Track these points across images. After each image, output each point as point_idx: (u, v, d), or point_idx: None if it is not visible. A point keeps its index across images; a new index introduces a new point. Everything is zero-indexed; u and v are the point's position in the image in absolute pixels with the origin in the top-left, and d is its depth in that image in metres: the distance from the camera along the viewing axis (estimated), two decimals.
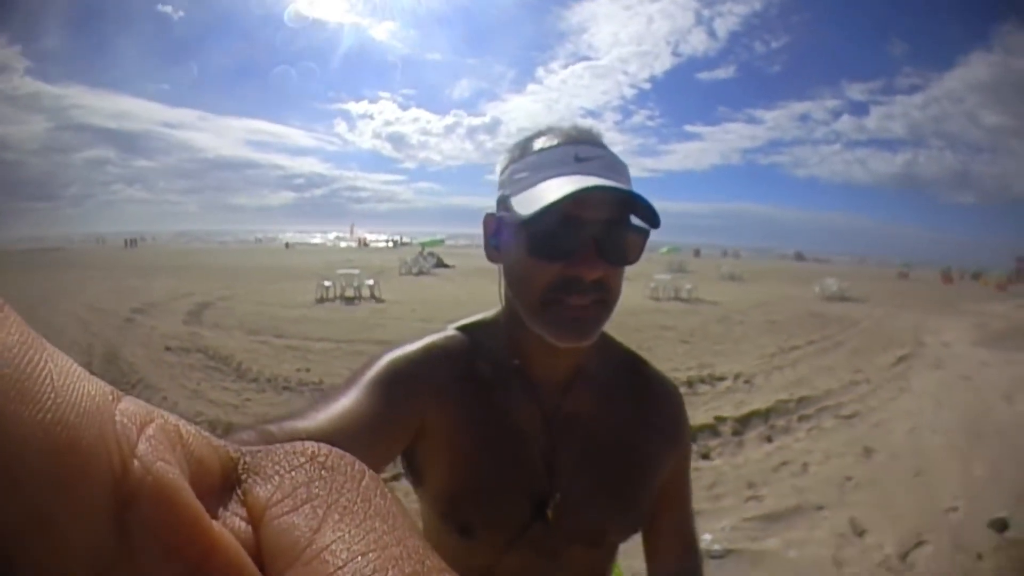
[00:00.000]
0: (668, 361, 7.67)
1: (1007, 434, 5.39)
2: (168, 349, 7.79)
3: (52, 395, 0.14)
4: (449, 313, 6.58)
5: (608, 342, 1.00)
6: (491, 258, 0.93)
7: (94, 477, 0.14)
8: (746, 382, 7.06)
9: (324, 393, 0.80)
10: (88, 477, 0.13)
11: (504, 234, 0.89)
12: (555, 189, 0.80)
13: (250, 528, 0.16)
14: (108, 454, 0.14)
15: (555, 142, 0.87)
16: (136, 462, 0.14)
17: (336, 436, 0.69)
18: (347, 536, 0.15)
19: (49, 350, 0.14)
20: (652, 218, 0.84)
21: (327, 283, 13.60)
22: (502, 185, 0.90)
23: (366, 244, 58.63)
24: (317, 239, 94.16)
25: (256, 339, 8.46)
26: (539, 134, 0.90)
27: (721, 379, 7.10)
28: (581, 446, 0.92)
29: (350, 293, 13.31)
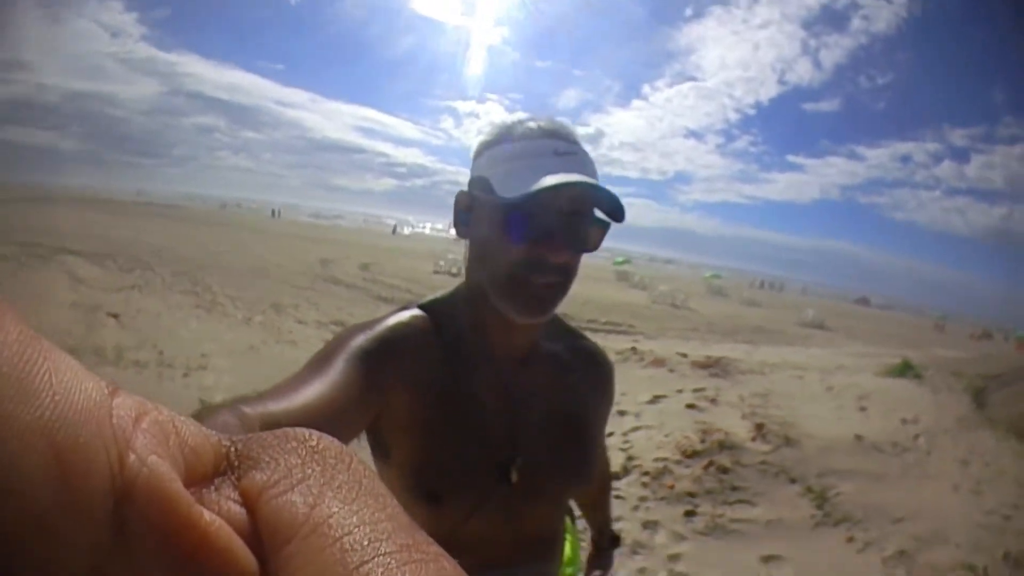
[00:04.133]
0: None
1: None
2: (348, 284, 13.66)
3: (50, 393, 0.14)
4: None
5: (557, 320, 1.09)
6: (459, 234, 0.99)
7: (93, 474, 0.14)
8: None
9: (295, 373, 0.83)
10: (87, 474, 0.14)
11: (477, 212, 0.95)
12: (541, 178, 0.86)
13: (244, 511, 0.17)
14: (106, 450, 0.14)
15: (535, 133, 0.93)
16: (132, 456, 0.15)
17: (309, 415, 0.73)
18: (343, 511, 0.16)
19: (47, 347, 0.15)
20: (618, 213, 0.92)
21: (441, 263, 19.59)
22: (478, 167, 0.96)
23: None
24: (416, 228, 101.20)
25: (404, 285, 14.20)
26: (518, 123, 0.96)
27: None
28: (538, 414, 1.00)
29: (454, 270, 19.13)
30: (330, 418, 0.75)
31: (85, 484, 0.14)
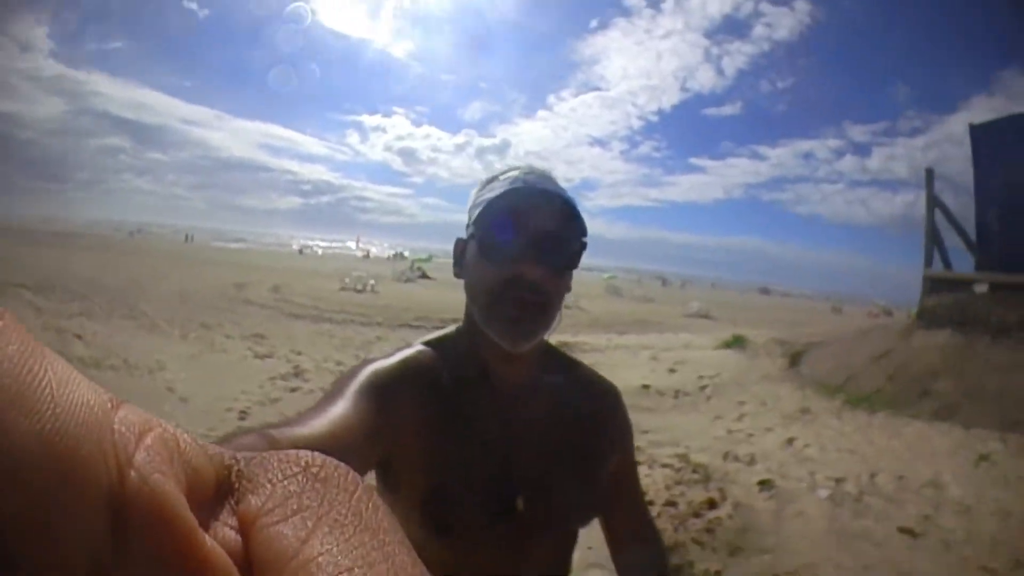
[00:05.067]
0: None
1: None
2: (261, 305, 15.56)
3: (51, 404, 0.14)
4: (415, 304, 15.25)
5: (554, 352, 1.14)
6: (456, 275, 1.07)
7: (91, 487, 0.14)
8: None
9: (317, 402, 0.87)
10: (85, 487, 0.14)
11: (466, 253, 1.03)
12: (494, 196, 0.96)
13: (240, 539, 0.16)
14: (105, 464, 0.14)
15: (508, 173, 1.02)
16: (133, 472, 0.14)
17: (331, 442, 0.76)
18: (334, 550, 0.15)
19: (49, 358, 0.14)
20: (581, 228, 0.98)
21: (347, 280, 21.66)
22: (468, 215, 1.03)
23: (368, 255, 65.21)
24: (323, 245, 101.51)
25: (312, 303, 16.17)
26: (499, 171, 1.05)
27: None
28: (539, 446, 1.02)
29: (359, 287, 21.12)
30: (348, 447, 0.79)
31: (83, 497, 0.14)
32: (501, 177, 1.03)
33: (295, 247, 75.34)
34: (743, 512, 4.33)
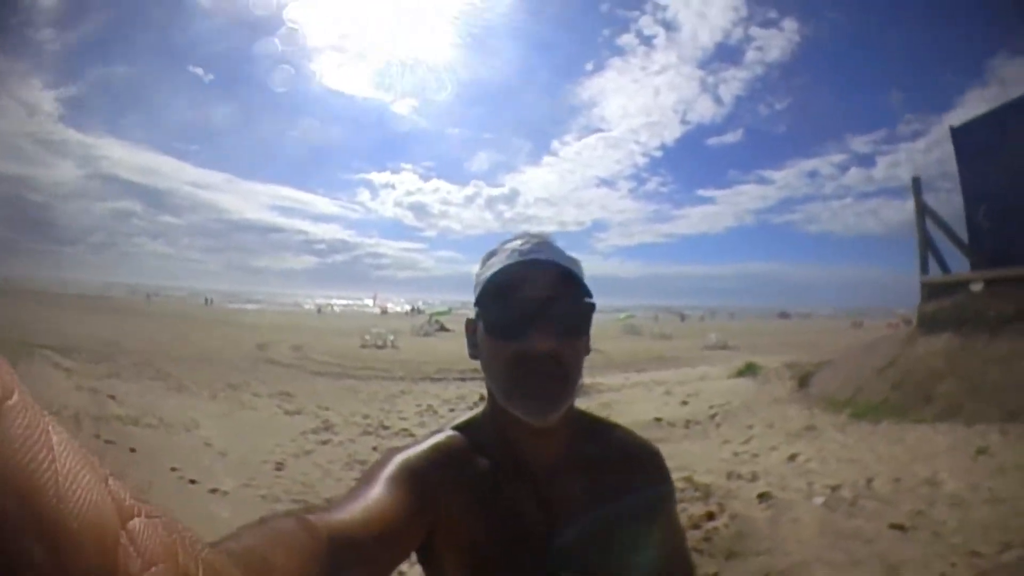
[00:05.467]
0: None
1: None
2: (286, 365, 15.90)
3: (54, 502, 0.13)
4: (435, 358, 15.46)
5: (585, 419, 1.09)
6: (472, 356, 1.03)
7: None
8: None
9: (349, 490, 0.85)
10: None
11: (478, 333, 1.00)
12: (492, 273, 0.95)
13: None
14: None
15: (507, 245, 1.00)
16: None
17: (367, 528, 0.75)
18: None
19: (57, 447, 0.14)
20: (584, 290, 0.96)
21: (367, 336, 22.13)
22: (474, 291, 1.01)
23: (385, 311, 65.82)
24: (340, 303, 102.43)
25: (335, 360, 16.55)
26: (501, 244, 1.03)
27: None
28: (577, 521, 0.98)
29: (380, 343, 21.48)
30: (383, 532, 0.77)
31: None
32: (499, 251, 1.01)
33: (313, 306, 76.27)
34: (740, 521, 4.55)
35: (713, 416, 8.84)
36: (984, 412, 6.29)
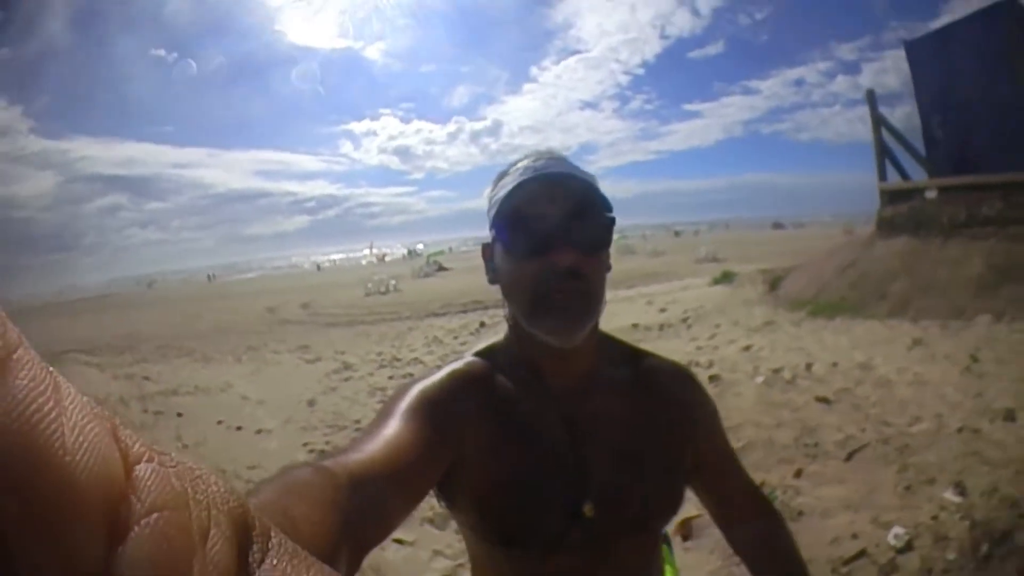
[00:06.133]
0: None
1: None
2: (298, 322, 16.71)
3: (61, 455, 0.13)
4: (437, 296, 16.28)
5: (611, 343, 1.07)
6: (491, 281, 1.01)
7: (87, 557, 0.13)
8: None
9: (367, 428, 0.83)
10: (81, 558, 0.13)
11: (494, 255, 0.98)
12: (507, 192, 0.92)
13: None
14: (110, 531, 0.13)
15: (518, 164, 0.98)
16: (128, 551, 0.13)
17: (387, 466, 0.73)
18: None
19: (65, 399, 0.14)
20: (605, 203, 0.92)
21: (369, 285, 22.96)
22: (488, 217, 0.99)
23: (383, 259, 66.41)
24: (337, 258, 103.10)
25: (343, 311, 17.34)
26: (511, 163, 1.01)
27: None
28: (604, 444, 0.96)
29: (382, 289, 22.27)
30: (405, 465, 0.76)
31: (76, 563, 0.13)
32: (511, 171, 0.98)
33: (310, 265, 76.98)
34: None
35: (685, 319, 9.65)
36: (931, 309, 7.06)
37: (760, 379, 5.72)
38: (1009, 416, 4.08)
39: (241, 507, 0.17)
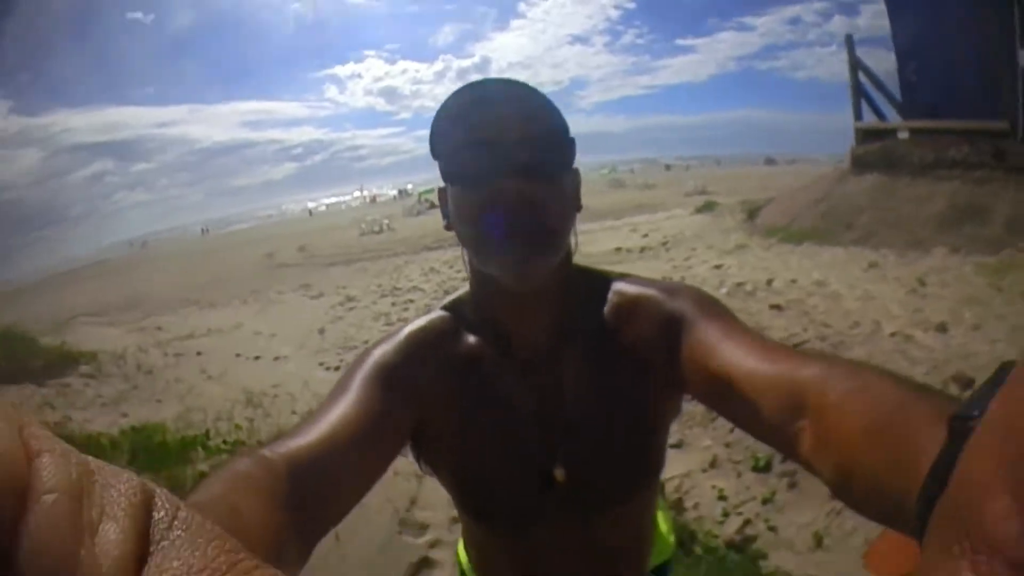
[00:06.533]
0: None
1: None
2: (296, 264, 17.15)
3: None
4: (430, 232, 16.75)
5: (586, 278, 0.93)
6: (447, 228, 0.88)
7: None
8: None
9: (320, 405, 0.76)
10: None
11: (448, 196, 0.85)
12: (448, 114, 0.78)
13: None
14: (11, 515, 0.14)
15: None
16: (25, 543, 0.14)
17: (330, 446, 0.68)
18: None
19: None
20: (558, 120, 0.80)
21: (363, 225, 23.42)
22: (430, 149, 0.84)
23: (375, 200, 66.55)
24: (329, 202, 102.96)
25: (339, 251, 17.79)
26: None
27: None
28: (577, 404, 0.86)
29: (376, 229, 22.68)
30: (357, 442, 0.71)
31: None
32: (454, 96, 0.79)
33: (302, 211, 77.04)
34: None
35: (665, 243, 10.29)
36: (892, 239, 7.63)
37: (724, 290, 6.35)
38: (941, 328, 4.68)
39: (145, 496, 0.17)
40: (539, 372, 0.87)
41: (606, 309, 0.90)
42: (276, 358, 6.72)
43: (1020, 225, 6.90)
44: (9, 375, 6.57)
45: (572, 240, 0.86)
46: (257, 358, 6.88)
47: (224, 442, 4.15)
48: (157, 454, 4.00)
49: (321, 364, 6.13)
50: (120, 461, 3.10)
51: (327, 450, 0.67)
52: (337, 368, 5.97)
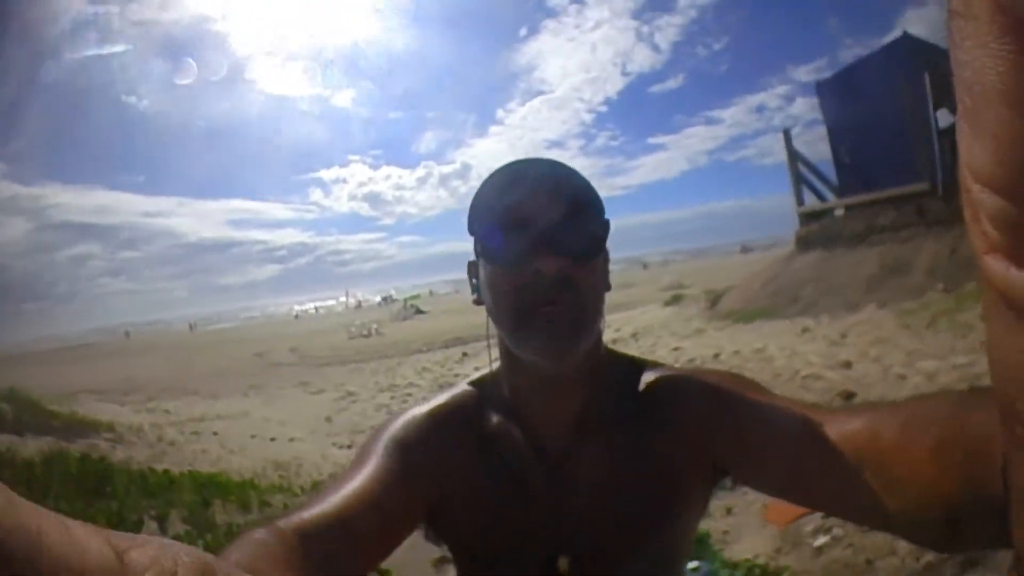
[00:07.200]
0: None
1: None
2: (290, 364, 17.95)
3: (49, 553, 0.14)
4: (419, 336, 17.77)
5: (617, 363, 0.92)
6: (476, 302, 0.88)
7: None
8: None
9: (340, 473, 0.79)
10: None
11: (479, 271, 0.86)
12: (487, 194, 0.80)
13: None
14: None
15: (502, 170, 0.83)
16: None
17: (342, 520, 0.70)
18: None
19: (39, 512, 0.15)
20: (597, 205, 0.81)
21: (352, 328, 24.35)
22: (468, 227, 0.86)
23: (360, 305, 67.55)
24: (311, 306, 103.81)
25: (331, 353, 18.67)
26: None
27: None
28: (588, 493, 0.84)
29: (365, 332, 23.64)
30: (367, 514, 0.73)
31: None
32: (492, 176, 0.82)
33: (291, 312, 78.00)
34: None
35: (635, 334, 11.33)
36: (830, 305, 8.69)
37: (677, 364, 7.37)
38: (847, 365, 5.89)
39: (207, 566, 0.20)
40: (559, 458, 0.85)
41: (636, 397, 0.86)
42: (291, 439, 7.50)
43: (939, 270, 7.73)
44: (30, 428, 6.75)
45: (602, 323, 0.85)
46: (273, 439, 7.61)
47: (271, 485, 4.81)
48: (223, 489, 4.45)
49: (334, 444, 6.92)
50: (188, 496, 3.90)
51: (337, 521, 0.70)
52: (350, 446, 6.75)
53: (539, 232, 0.76)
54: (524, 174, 0.79)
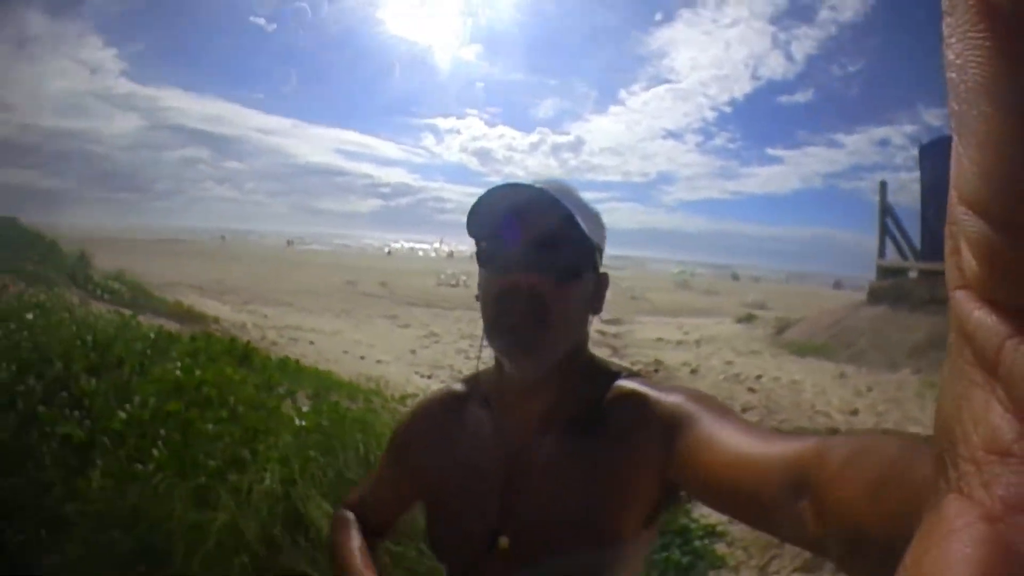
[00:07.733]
0: None
1: None
2: (379, 296, 19.01)
3: None
4: None
5: (595, 371, 0.97)
6: (477, 297, 0.96)
7: None
8: None
9: (366, 478, 1.03)
10: None
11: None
12: (485, 205, 0.89)
13: None
14: None
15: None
16: None
17: (367, 501, 1.15)
18: None
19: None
20: (579, 233, 0.86)
21: (442, 276, 25.80)
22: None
23: (452, 254, 68.64)
24: (405, 245, 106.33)
25: (419, 295, 19.75)
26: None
27: None
28: (538, 485, 0.92)
29: (453, 282, 24.69)
30: (378, 500, 1.15)
31: None
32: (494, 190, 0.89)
33: (384, 248, 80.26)
34: (670, 376, 8.16)
35: (698, 341, 12.11)
36: (875, 360, 9.33)
37: (721, 376, 8.36)
38: (854, 412, 6.68)
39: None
40: (519, 450, 0.93)
41: (599, 406, 0.91)
42: (378, 361, 8.42)
43: None
44: (142, 311, 7.21)
45: (585, 337, 0.96)
46: (362, 358, 8.51)
47: (369, 390, 5.30)
48: (335, 383, 5.09)
49: (416, 372, 7.79)
50: (310, 383, 4.59)
51: (365, 501, 1.16)
52: (430, 377, 7.64)
53: (520, 249, 0.87)
54: (518, 196, 0.87)
